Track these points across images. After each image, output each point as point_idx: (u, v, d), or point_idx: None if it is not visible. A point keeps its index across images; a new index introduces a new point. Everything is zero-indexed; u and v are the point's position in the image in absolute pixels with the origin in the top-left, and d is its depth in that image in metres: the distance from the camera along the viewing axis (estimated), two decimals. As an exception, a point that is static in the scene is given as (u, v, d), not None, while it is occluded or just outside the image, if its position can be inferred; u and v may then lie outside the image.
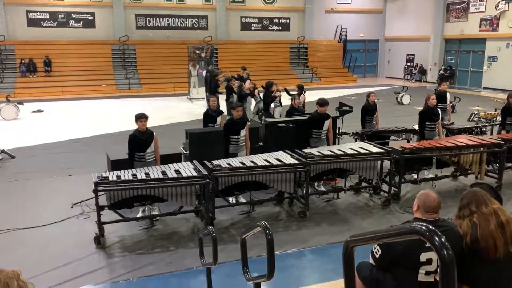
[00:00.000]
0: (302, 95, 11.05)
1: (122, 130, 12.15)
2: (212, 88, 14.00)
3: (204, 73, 17.40)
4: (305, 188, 6.31)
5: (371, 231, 1.98)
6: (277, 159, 6.29)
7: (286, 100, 12.65)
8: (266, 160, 6.23)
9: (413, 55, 28.38)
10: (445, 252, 1.37)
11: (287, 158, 6.38)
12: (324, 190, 7.12)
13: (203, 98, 16.77)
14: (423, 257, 2.90)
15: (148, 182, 5.42)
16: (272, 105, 11.60)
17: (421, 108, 8.29)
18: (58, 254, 5.29)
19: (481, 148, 7.27)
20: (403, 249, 2.89)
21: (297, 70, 25.99)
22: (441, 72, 25.44)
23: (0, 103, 14.80)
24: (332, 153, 6.56)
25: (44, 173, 8.59)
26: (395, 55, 29.79)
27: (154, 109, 15.99)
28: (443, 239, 1.41)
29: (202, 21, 25.79)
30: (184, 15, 25.34)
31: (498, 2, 21.99)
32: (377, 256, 3.06)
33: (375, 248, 3.09)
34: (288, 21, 27.76)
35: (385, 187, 6.99)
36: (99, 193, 5.36)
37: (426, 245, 2.96)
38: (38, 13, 22.70)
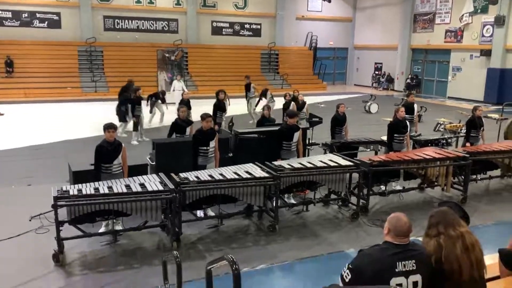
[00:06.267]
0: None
1: (86, 136, 11.78)
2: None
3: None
4: (274, 201, 6.22)
5: None
6: (247, 172, 6.17)
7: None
8: (235, 173, 6.10)
9: (381, 63, 28.93)
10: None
11: (256, 170, 6.26)
12: (294, 202, 7.04)
13: (174, 103, 13.56)
14: (393, 282, 2.85)
15: (111, 197, 5.18)
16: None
17: (389, 119, 8.37)
18: (14, 272, 4.99)
19: (447, 161, 7.39)
20: (373, 273, 2.84)
21: (268, 76, 25.99)
22: (408, 81, 26.02)
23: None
24: (302, 166, 6.50)
25: (1, 182, 8.15)
26: (364, 63, 30.29)
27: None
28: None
29: (172, 24, 25.43)
30: (154, 18, 24.91)
31: (463, 15, 22.70)
32: (346, 280, 2.99)
33: (344, 272, 3.02)
34: (259, 26, 27.77)
35: (353, 199, 6.99)
36: (59, 208, 5.09)
37: (396, 270, 2.93)
38: (0, 12, 21.81)
